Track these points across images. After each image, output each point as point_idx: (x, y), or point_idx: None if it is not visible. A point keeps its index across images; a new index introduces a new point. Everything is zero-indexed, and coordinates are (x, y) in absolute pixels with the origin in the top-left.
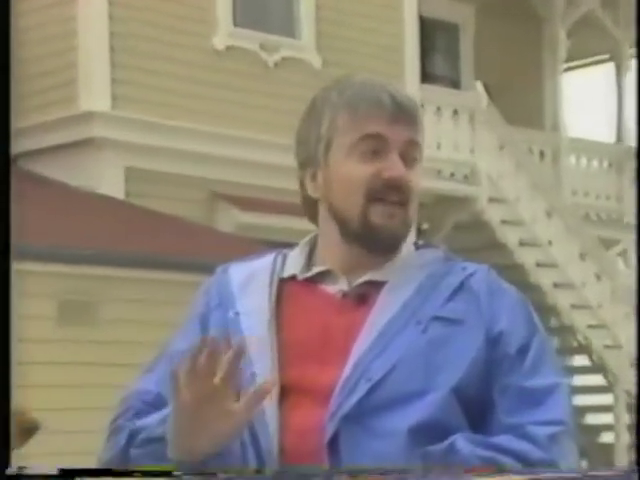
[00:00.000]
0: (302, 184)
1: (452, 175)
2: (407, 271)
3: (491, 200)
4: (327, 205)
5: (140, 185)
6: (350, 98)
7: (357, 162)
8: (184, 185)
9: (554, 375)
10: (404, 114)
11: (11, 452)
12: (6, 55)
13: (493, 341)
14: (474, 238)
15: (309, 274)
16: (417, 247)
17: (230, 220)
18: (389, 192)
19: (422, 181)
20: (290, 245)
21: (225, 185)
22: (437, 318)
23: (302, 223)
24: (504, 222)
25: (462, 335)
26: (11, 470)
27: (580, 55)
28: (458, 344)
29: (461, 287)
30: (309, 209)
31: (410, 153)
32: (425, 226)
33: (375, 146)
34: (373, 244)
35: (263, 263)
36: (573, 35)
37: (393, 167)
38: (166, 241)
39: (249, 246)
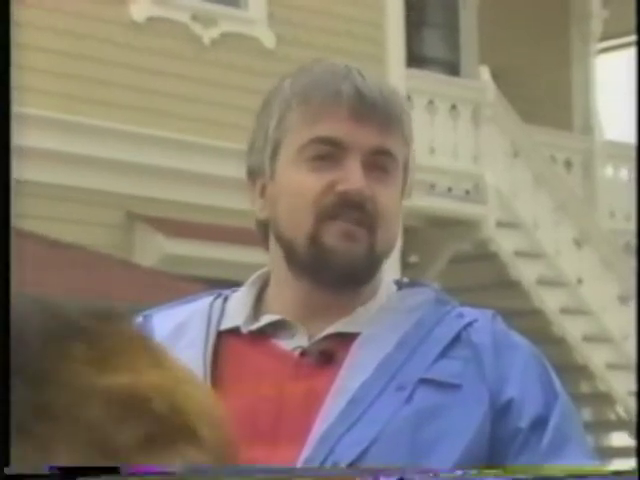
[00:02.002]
0: (252, 200)
1: (449, 190)
2: (386, 319)
3: (501, 224)
4: (273, 226)
5: (30, 203)
6: (303, 89)
7: (306, 171)
8: (91, 203)
9: (581, 457)
10: (371, 112)
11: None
12: (6, 64)
13: (500, 412)
14: (478, 274)
15: (256, 326)
16: (400, 286)
17: (152, 250)
18: (345, 210)
19: (398, 203)
20: (233, 284)
21: (146, 203)
22: (425, 381)
23: (249, 254)
24: (518, 254)
25: (459, 404)
26: (10, 470)
27: (621, 32)
28: (453, 416)
29: (457, 340)
30: (262, 234)
31: (377, 163)
32: (414, 258)
33: (329, 151)
34: (324, 274)
35: (196, 310)
36: (610, 4)
37: (350, 178)
38: (66, 279)
39: (177, 285)
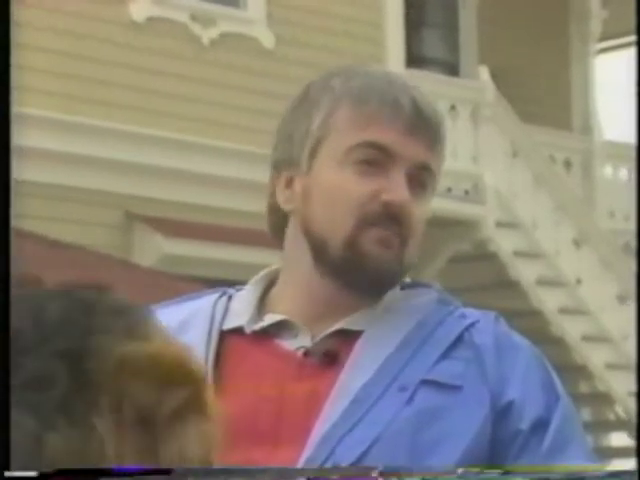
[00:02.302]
0: (273, 191)
1: (449, 191)
2: (388, 319)
3: (500, 224)
4: (301, 221)
5: (29, 203)
6: (358, 90)
7: (352, 173)
8: (90, 203)
9: (582, 459)
10: (424, 128)
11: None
12: (6, 64)
13: (501, 413)
14: (478, 274)
15: (260, 326)
16: (403, 286)
17: (151, 250)
18: (386, 220)
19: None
20: (232, 284)
21: (145, 203)
22: (427, 382)
23: (248, 254)
24: (517, 254)
25: (460, 405)
26: (10, 473)
27: (620, 32)
28: (454, 417)
29: (459, 341)
30: (275, 226)
31: (419, 179)
32: None
33: (377, 157)
34: (357, 278)
35: (200, 308)
36: (610, 4)
37: (395, 189)
38: (66, 279)
39: (176, 285)
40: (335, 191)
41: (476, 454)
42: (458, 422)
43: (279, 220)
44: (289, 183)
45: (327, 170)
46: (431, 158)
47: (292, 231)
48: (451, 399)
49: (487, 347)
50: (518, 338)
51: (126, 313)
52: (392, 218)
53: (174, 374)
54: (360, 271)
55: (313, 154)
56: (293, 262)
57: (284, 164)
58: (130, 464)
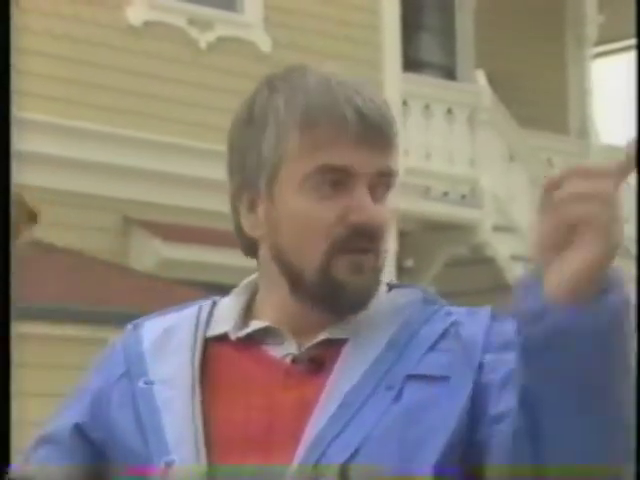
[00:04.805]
0: (236, 212)
1: (445, 195)
2: (374, 321)
3: (497, 229)
4: (271, 249)
5: None
6: (304, 112)
7: (314, 199)
8: (87, 207)
9: None
10: (375, 136)
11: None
12: (6, 68)
13: (476, 380)
14: (475, 278)
15: (245, 332)
16: (389, 288)
17: (149, 254)
18: (357, 240)
19: (394, 205)
20: (230, 288)
21: (142, 207)
22: (413, 377)
23: (248, 259)
24: (514, 258)
25: (447, 396)
26: (11, 473)
27: (616, 36)
28: (442, 408)
29: (445, 335)
30: (245, 244)
31: (382, 184)
32: (409, 263)
33: (337, 179)
34: (336, 305)
35: (185, 315)
36: (606, 9)
37: (361, 208)
38: (62, 284)
39: (175, 290)
40: (301, 220)
41: (459, 429)
42: (446, 411)
43: (248, 242)
44: (252, 206)
45: (289, 198)
46: (389, 160)
47: (264, 256)
48: (438, 390)
49: (474, 336)
50: (508, 323)
51: None
52: (363, 236)
53: None
54: (340, 300)
55: (271, 181)
56: (269, 285)
57: (243, 186)
58: None
